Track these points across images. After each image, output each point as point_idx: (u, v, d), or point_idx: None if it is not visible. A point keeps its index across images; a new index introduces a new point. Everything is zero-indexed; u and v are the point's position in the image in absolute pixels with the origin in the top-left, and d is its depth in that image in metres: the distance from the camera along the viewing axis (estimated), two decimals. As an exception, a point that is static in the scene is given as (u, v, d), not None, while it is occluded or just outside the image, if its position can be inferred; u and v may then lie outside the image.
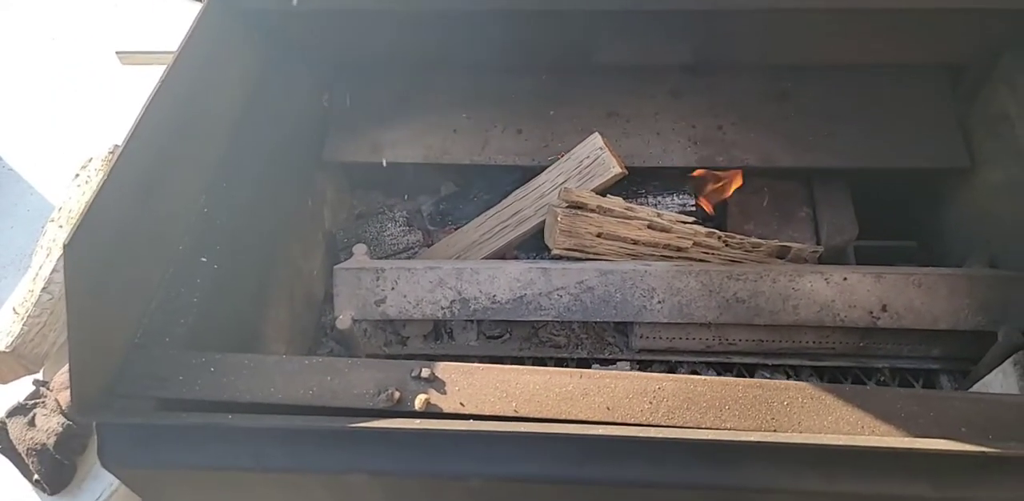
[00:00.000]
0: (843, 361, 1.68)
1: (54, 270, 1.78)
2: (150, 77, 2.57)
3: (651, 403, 1.12)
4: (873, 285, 1.57)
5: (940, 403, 1.12)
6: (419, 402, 1.12)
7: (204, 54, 1.48)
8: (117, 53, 2.64)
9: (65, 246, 1.00)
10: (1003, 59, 1.70)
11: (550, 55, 1.86)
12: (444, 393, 1.14)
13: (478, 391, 1.14)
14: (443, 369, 1.16)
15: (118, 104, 2.63)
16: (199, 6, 2.72)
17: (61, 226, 1.90)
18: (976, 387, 1.55)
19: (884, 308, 1.57)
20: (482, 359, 1.74)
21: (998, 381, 1.50)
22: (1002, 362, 1.51)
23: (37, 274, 1.81)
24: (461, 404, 1.13)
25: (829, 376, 1.71)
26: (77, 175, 2.07)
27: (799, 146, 1.82)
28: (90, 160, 2.09)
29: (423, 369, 1.15)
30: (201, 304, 1.28)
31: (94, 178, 2.00)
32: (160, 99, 1.31)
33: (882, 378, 1.70)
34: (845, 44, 1.77)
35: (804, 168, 1.87)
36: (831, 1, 1.56)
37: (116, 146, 2.13)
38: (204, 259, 1.35)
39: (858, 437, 1.07)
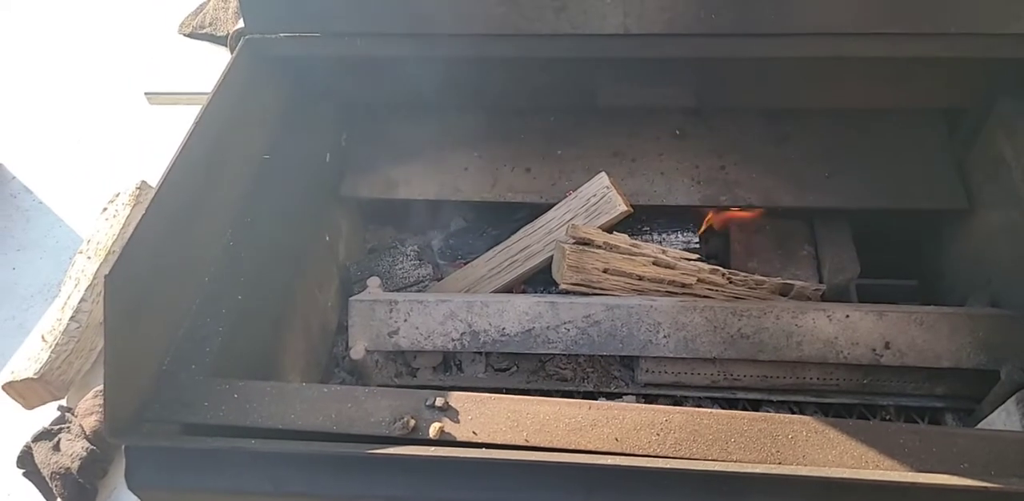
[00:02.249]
0: (847, 398, 1.70)
1: (82, 299, 1.84)
2: (175, 116, 2.71)
3: (658, 435, 1.15)
4: (875, 323, 1.60)
5: (943, 439, 1.15)
6: (433, 430, 1.16)
7: (234, 97, 1.56)
8: (145, 94, 2.75)
9: (106, 277, 1.06)
10: (999, 104, 1.76)
11: (558, 98, 1.93)
12: (457, 422, 1.17)
13: (490, 420, 1.18)
14: (456, 398, 1.20)
15: (145, 142, 2.73)
16: (222, 50, 2.85)
17: (89, 258, 1.97)
18: (980, 426, 1.57)
19: (887, 345, 1.60)
20: (490, 391, 1.75)
21: (1001, 420, 1.52)
22: (1005, 401, 1.53)
23: (66, 303, 1.87)
24: (474, 433, 1.16)
25: (833, 413, 1.72)
26: (105, 209, 2.14)
27: (800, 186, 1.88)
28: (117, 195, 2.17)
29: (437, 398, 1.19)
30: (226, 333, 1.33)
31: (122, 212, 2.08)
32: (194, 139, 1.38)
33: (887, 416, 1.71)
34: (843, 89, 1.83)
35: (805, 208, 1.92)
36: (824, 50, 1.61)
37: (143, 182, 2.21)
38: (229, 290, 1.40)
39: (862, 471, 1.09)
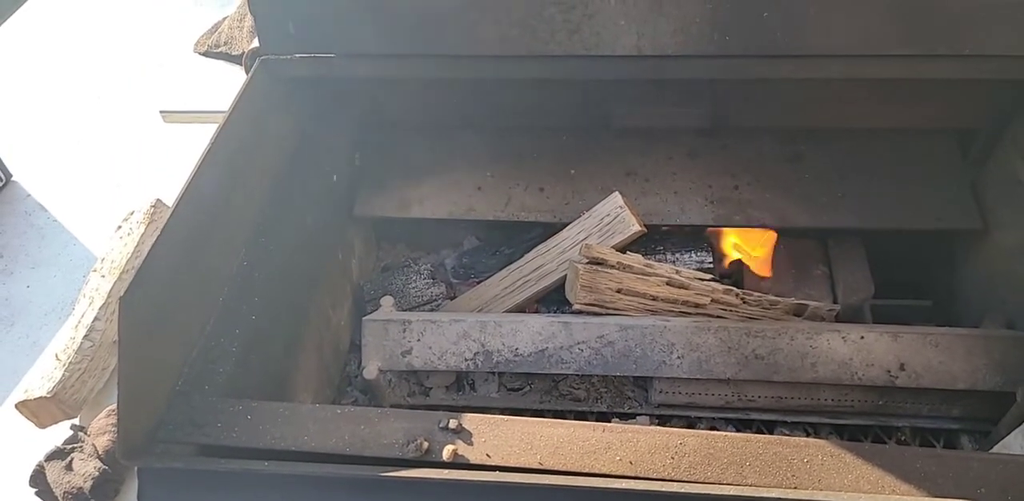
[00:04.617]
0: (862, 419, 1.69)
1: (96, 318, 1.84)
2: (190, 135, 2.73)
3: (673, 458, 1.14)
4: (890, 344, 1.59)
5: (959, 463, 1.13)
6: (447, 452, 1.15)
7: (249, 118, 1.57)
8: (160, 112, 2.78)
9: (120, 299, 1.07)
10: (1013, 124, 1.75)
11: (571, 118, 1.94)
12: (471, 444, 1.17)
13: (504, 443, 1.17)
14: (470, 420, 1.20)
15: (159, 160, 2.76)
16: (237, 69, 2.88)
17: (103, 276, 1.98)
18: (996, 448, 1.55)
19: (902, 367, 1.59)
20: (503, 411, 1.76)
21: (1018, 442, 1.50)
22: (1022, 423, 1.51)
23: (79, 322, 1.88)
24: (487, 455, 1.16)
25: (849, 434, 1.71)
26: (119, 227, 2.16)
27: (814, 206, 1.88)
28: (132, 213, 2.19)
29: (450, 420, 1.19)
30: (239, 353, 1.34)
31: (136, 230, 2.09)
32: (209, 160, 1.39)
33: (903, 437, 1.70)
34: (856, 109, 1.84)
35: (820, 228, 1.92)
36: (837, 71, 1.61)
37: (158, 200, 2.23)
38: (244, 309, 1.40)
39: (879, 496, 1.08)
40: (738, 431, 1.72)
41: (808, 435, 1.72)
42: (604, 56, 1.63)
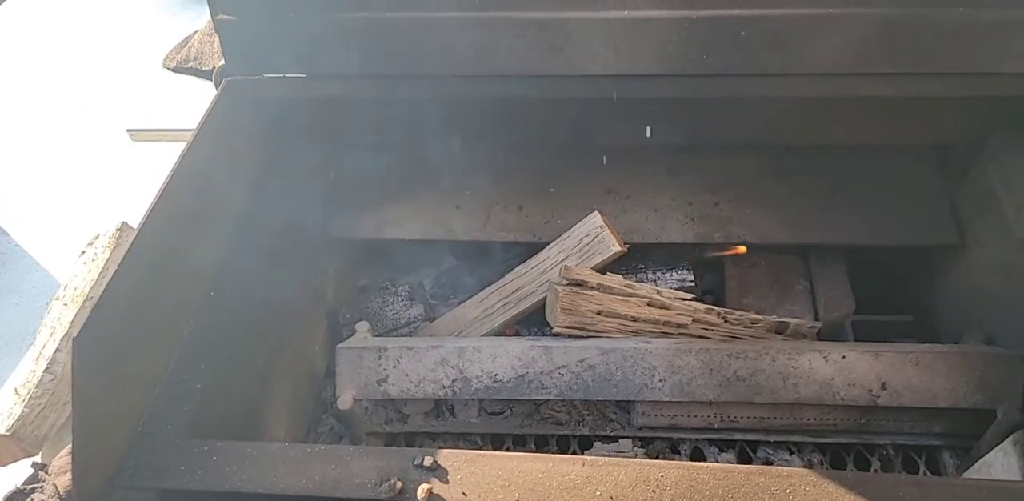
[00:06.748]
0: (845, 438, 1.68)
1: (57, 350, 1.78)
2: (158, 154, 2.67)
3: (654, 492, 1.11)
4: (871, 363, 1.58)
5: (941, 490, 1.12)
6: (421, 492, 1.11)
7: (216, 139, 1.53)
8: (128, 131, 2.72)
9: (74, 340, 1.02)
10: (989, 140, 1.76)
11: (550, 136, 1.92)
12: (446, 482, 1.13)
13: (480, 480, 1.13)
14: (445, 457, 1.16)
15: (126, 181, 2.69)
16: (208, 84, 2.82)
17: (66, 304, 1.91)
18: (978, 465, 1.55)
19: (883, 386, 1.57)
20: (483, 436, 1.73)
21: (999, 460, 1.50)
22: (1002, 441, 1.50)
23: (40, 354, 1.81)
24: (464, 494, 1.12)
25: (832, 452, 1.70)
26: (83, 252, 2.10)
27: (794, 222, 1.87)
28: (96, 237, 2.13)
29: (425, 457, 1.15)
30: (204, 390, 1.29)
31: (100, 255, 2.03)
32: (174, 184, 1.35)
33: (886, 454, 1.69)
34: (836, 126, 1.83)
35: (800, 244, 1.91)
36: (817, 90, 1.61)
37: (124, 223, 2.17)
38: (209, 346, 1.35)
39: (863, 527, 1.06)
40: (721, 451, 1.70)
41: (791, 454, 1.70)
42: (583, 76, 1.61)
